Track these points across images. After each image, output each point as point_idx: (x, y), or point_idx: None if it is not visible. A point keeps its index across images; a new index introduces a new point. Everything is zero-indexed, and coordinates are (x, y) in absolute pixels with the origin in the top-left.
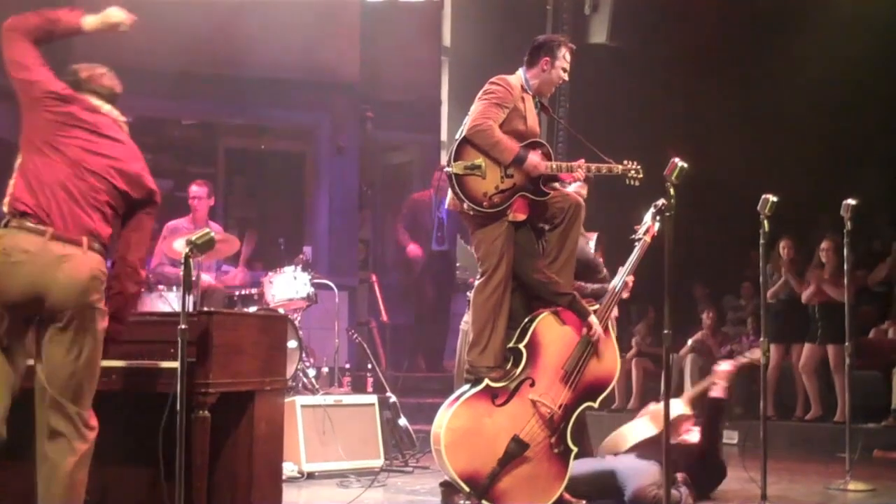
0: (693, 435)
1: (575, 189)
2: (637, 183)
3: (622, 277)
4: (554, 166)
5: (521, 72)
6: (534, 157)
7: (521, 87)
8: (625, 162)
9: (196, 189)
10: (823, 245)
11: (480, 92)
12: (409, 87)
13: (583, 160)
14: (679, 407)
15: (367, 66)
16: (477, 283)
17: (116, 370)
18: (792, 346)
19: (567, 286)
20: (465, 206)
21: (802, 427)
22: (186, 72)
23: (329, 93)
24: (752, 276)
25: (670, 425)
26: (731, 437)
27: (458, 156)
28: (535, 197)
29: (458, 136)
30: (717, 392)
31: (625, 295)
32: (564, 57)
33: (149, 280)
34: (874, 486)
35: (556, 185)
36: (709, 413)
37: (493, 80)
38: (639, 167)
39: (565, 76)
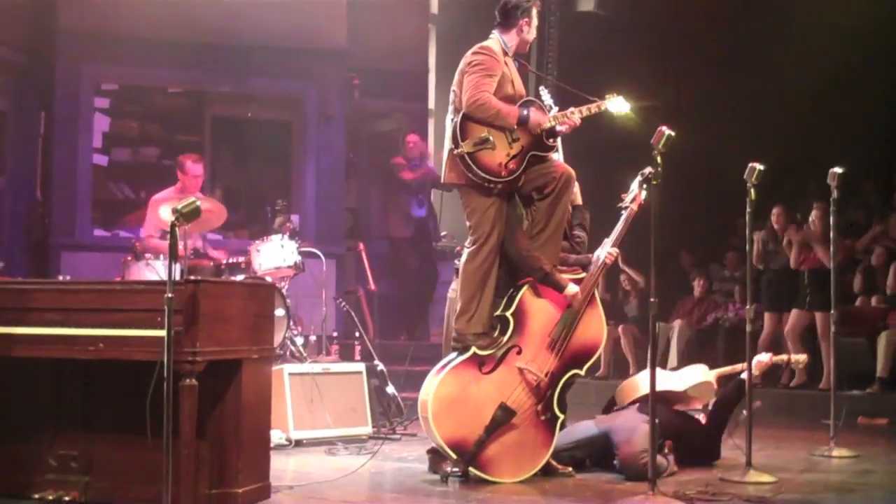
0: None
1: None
2: (625, 114)
3: (609, 246)
4: (552, 117)
5: (496, 35)
6: (535, 114)
7: (502, 51)
8: (607, 96)
9: (193, 166)
10: (813, 212)
11: (463, 64)
12: (397, 55)
13: (572, 107)
14: (708, 376)
15: (354, 34)
16: (467, 251)
17: (104, 339)
18: (784, 314)
19: (547, 259)
20: (486, 180)
21: (788, 394)
22: (173, 40)
23: (316, 61)
24: (739, 244)
25: (695, 389)
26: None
27: (463, 135)
28: (542, 153)
29: (451, 115)
30: (750, 378)
31: (609, 260)
32: (535, 16)
33: (136, 249)
34: (858, 452)
35: (554, 142)
36: (729, 393)
37: (475, 50)
38: (621, 98)
39: (535, 33)
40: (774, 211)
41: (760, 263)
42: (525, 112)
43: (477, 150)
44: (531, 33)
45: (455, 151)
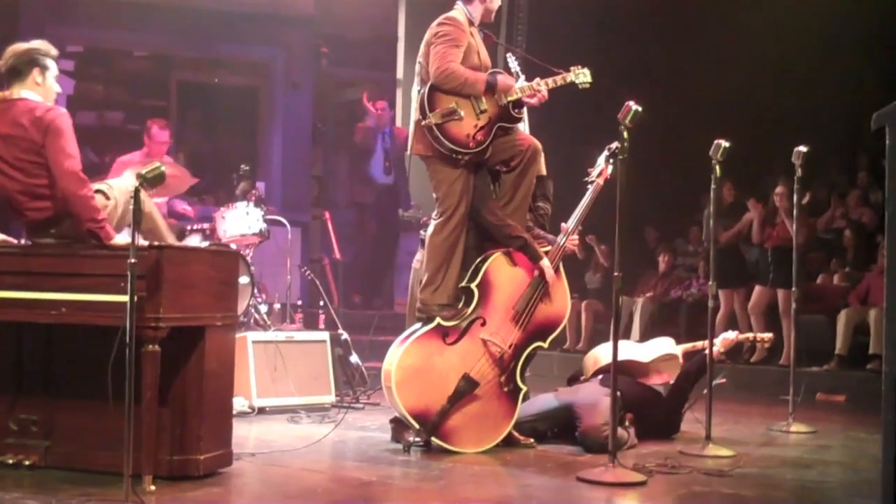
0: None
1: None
2: (587, 86)
3: (575, 219)
4: (519, 88)
5: (460, 5)
6: (503, 79)
7: (468, 21)
8: (572, 68)
9: (159, 132)
10: (777, 189)
11: (429, 35)
12: (366, 24)
13: (538, 78)
14: (675, 350)
15: (323, 1)
16: (434, 223)
17: (66, 303)
18: (737, 290)
19: (519, 229)
20: (453, 152)
21: (748, 370)
22: (140, 2)
23: (284, 27)
24: (703, 220)
25: (659, 361)
26: None
27: (431, 105)
28: (509, 124)
29: (417, 87)
30: (712, 353)
31: (569, 247)
32: None
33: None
34: (815, 428)
35: (521, 112)
36: (690, 368)
37: (440, 21)
38: (585, 70)
39: (495, 6)
40: (725, 187)
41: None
42: (493, 77)
43: (445, 122)
44: (494, 2)
45: (423, 123)
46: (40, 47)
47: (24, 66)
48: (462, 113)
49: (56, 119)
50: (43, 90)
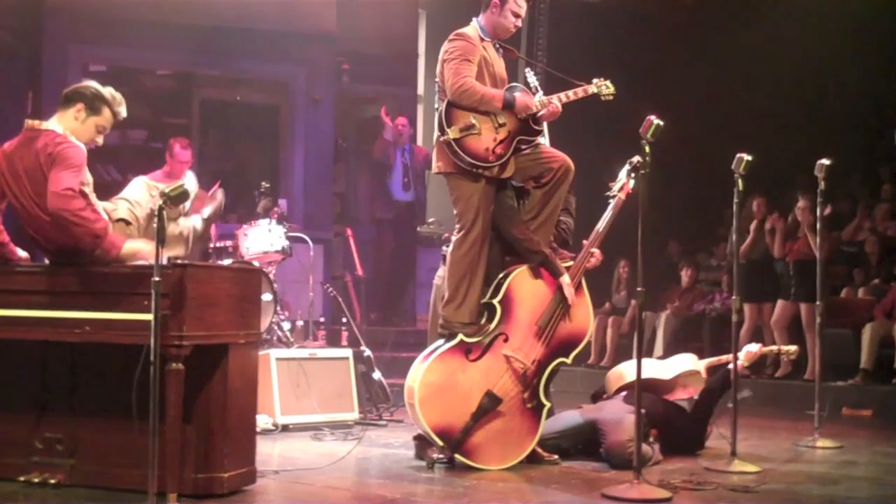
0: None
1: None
2: (611, 98)
3: (596, 234)
4: (538, 102)
5: (475, 20)
6: (521, 97)
7: (479, 36)
8: (594, 81)
9: (181, 151)
10: (799, 203)
11: (442, 53)
12: (386, 40)
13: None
14: (697, 366)
15: (344, 17)
16: (454, 238)
17: (91, 322)
18: (763, 305)
19: (541, 244)
20: (472, 166)
21: (772, 384)
22: (162, 22)
23: (305, 44)
24: (727, 234)
25: (682, 377)
26: None
27: (448, 121)
28: (529, 137)
29: (437, 105)
30: (736, 367)
31: (590, 263)
32: (517, 1)
33: None
34: (842, 443)
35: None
36: (715, 383)
37: (450, 38)
38: (608, 82)
39: (517, 21)
40: (755, 202)
41: (744, 258)
42: (510, 95)
43: (463, 136)
44: (506, 16)
45: (441, 138)
46: (105, 93)
47: (74, 97)
48: (480, 127)
49: (66, 149)
50: (79, 128)
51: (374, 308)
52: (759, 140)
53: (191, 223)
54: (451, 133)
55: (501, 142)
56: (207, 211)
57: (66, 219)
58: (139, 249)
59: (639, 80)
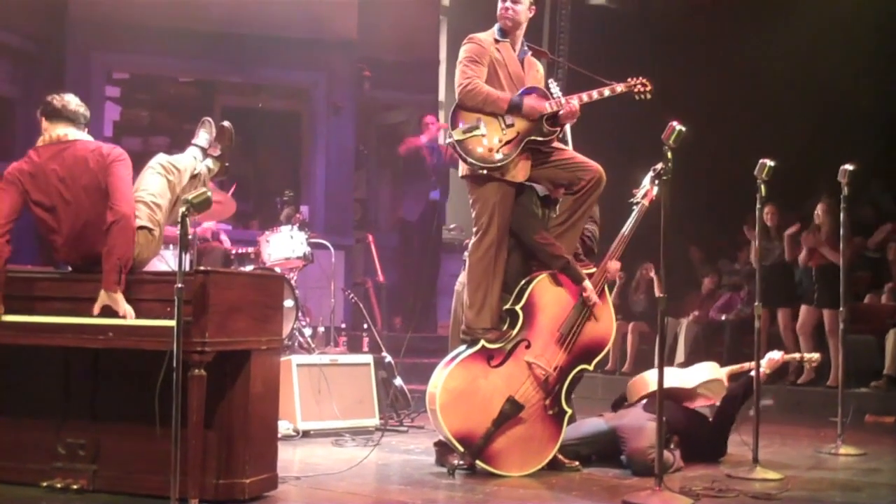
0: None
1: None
2: (648, 97)
3: (620, 240)
4: (550, 104)
5: (495, 26)
6: (531, 101)
7: (494, 38)
8: (628, 79)
9: None
10: (819, 208)
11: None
12: (407, 47)
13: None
14: (719, 374)
15: (365, 24)
16: (471, 242)
17: (114, 328)
18: (778, 310)
19: (565, 250)
20: (476, 167)
21: (795, 391)
22: (184, 29)
23: (326, 51)
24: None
25: (705, 387)
26: None
27: (454, 123)
28: (542, 138)
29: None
30: (758, 374)
31: (609, 275)
32: None
33: None
34: (865, 450)
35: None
36: (736, 390)
37: (463, 42)
38: (645, 81)
39: (506, 3)
40: (767, 209)
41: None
42: (518, 98)
43: (466, 138)
44: (503, 9)
45: (447, 141)
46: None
47: (80, 118)
48: (485, 128)
49: (121, 155)
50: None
51: (398, 313)
52: (780, 145)
53: (202, 166)
54: (455, 134)
55: (508, 142)
56: (203, 139)
57: (123, 235)
58: (117, 301)
59: (659, 85)
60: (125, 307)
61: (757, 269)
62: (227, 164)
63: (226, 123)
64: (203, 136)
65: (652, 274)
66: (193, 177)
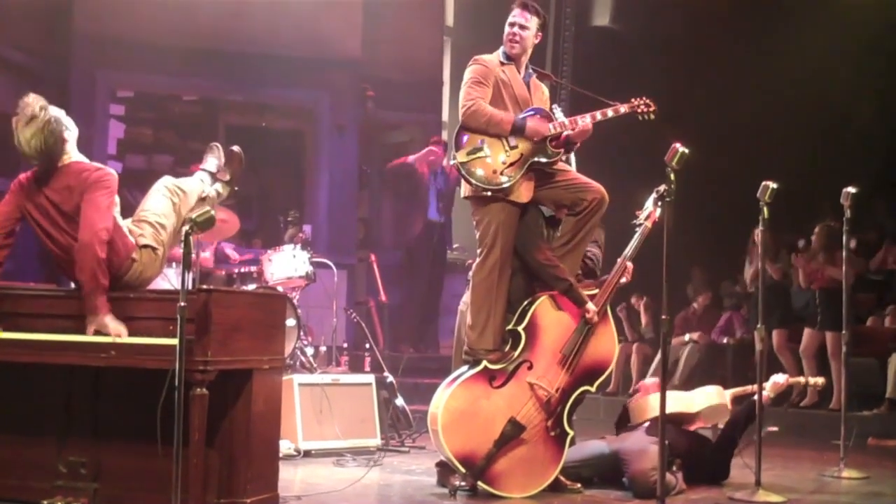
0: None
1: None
2: (652, 117)
3: (622, 263)
4: (554, 125)
5: (501, 49)
6: (533, 122)
7: (499, 61)
8: (632, 100)
9: None
10: (816, 230)
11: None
12: (411, 67)
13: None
14: (723, 398)
15: (368, 44)
16: (475, 262)
17: (116, 346)
18: (773, 331)
19: (568, 272)
20: (481, 189)
21: (798, 414)
22: (188, 48)
23: (330, 71)
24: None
25: (708, 411)
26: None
27: (457, 145)
28: (547, 159)
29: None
30: (761, 397)
31: (624, 279)
32: (513, 14)
33: None
34: (868, 473)
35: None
36: (740, 414)
37: (469, 63)
38: (648, 101)
39: (513, 30)
40: (756, 231)
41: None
42: (521, 119)
43: (470, 160)
44: (507, 34)
45: (450, 163)
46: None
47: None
48: (488, 150)
49: (105, 176)
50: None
51: (402, 333)
52: (784, 167)
53: (211, 190)
54: (459, 156)
55: (511, 164)
56: (212, 164)
57: (88, 259)
58: (104, 325)
59: (662, 107)
60: (115, 327)
61: (760, 292)
62: (236, 188)
63: (235, 148)
64: (212, 162)
65: (641, 305)
66: (202, 199)
